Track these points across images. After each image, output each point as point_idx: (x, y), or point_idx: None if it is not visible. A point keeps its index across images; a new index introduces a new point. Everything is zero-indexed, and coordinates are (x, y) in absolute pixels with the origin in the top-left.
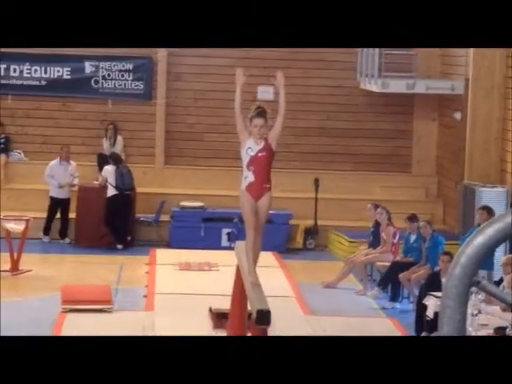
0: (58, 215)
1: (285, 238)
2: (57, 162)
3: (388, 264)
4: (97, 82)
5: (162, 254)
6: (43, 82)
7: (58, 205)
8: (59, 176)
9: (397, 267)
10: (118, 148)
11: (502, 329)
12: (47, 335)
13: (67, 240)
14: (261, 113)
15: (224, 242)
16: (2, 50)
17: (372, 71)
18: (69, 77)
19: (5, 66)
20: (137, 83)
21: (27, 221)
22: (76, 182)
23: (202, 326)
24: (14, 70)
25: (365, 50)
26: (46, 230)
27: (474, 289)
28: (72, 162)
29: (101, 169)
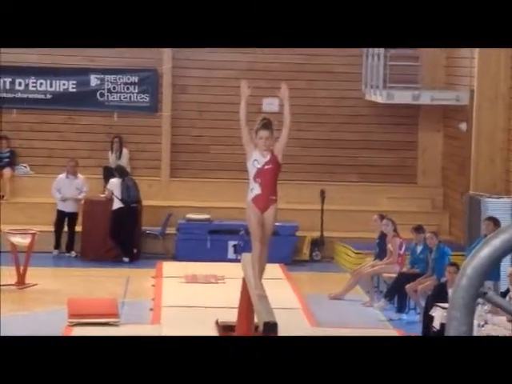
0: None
1: (291, 249)
2: (64, 176)
3: (394, 275)
4: (102, 94)
5: (169, 267)
6: (49, 96)
7: (64, 218)
8: (65, 190)
9: (403, 278)
10: (124, 161)
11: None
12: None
13: (73, 253)
14: (266, 125)
15: (230, 254)
16: (7, 63)
17: (377, 82)
18: (74, 90)
19: (10, 79)
20: (142, 96)
21: (33, 234)
22: (82, 196)
23: None
24: (20, 84)
25: (370, 61)
26: (57, 244)
27: (480, 300)
28: (80, 176)
29: (106, 182)
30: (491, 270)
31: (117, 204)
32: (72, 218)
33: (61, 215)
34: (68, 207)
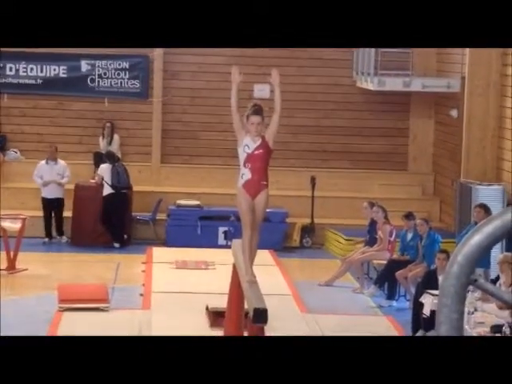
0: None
1: (281, 236)
2: (44, 162)
3: (385, 262)
4: (93, 80)
5: (159, 253)
6: (39, 81)
7: (49, 205)
8: (46, 176)
9: (393, 265)
10: (115, 146)
11: (498, 327)
12: (44, 335)
13: (64, 238)
14: (257, 110)
15: (221, 240)
16: None
17: (368, 69)
18: (65, 75)
19: (1, 64)
20: (133, 82)
21: (24, 219)
22: (64, 180)
23: (198, 325)
24: (10, 69)
25: (361, 48)
26: (47, 232)
27: (470, 287)
28: (60, 161)
29: (97, 167)
30: (482, 257)
31: (107, 190)
32: (58, 203)
33: (45, 202)
34: (51, 193)
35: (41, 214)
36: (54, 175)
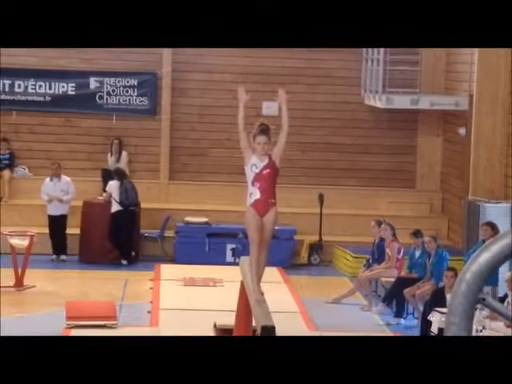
0: None
1: (289, 253)
2: (48, 179)
3: (393, 280)
4: (101, 97)
5: (167, 270)
6: (48, 98)
7: (54, 222)
8: (50, 193)
9: (401, 283)
10: (123, 163)
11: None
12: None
13: (63, 257)
14: (264, 130)
15: (228, 257)
16: (7, 65)
17: (376, 87)
18: (73, 92)
19: (9, 81)
20: (141, 99)
21: (31, 236)
22: (67, 197)
23: None
24: (19, 86)
25: (369, 65)
26: (54, 249)
27: (478, 305)
28: (64, 178)
29: (105, 184)
30: (490, 275)
31: (115, 207)
32: (60, 220)
33: (50, 220)
34: (55, 210)
35: (48, 230)
36: (57, 192)
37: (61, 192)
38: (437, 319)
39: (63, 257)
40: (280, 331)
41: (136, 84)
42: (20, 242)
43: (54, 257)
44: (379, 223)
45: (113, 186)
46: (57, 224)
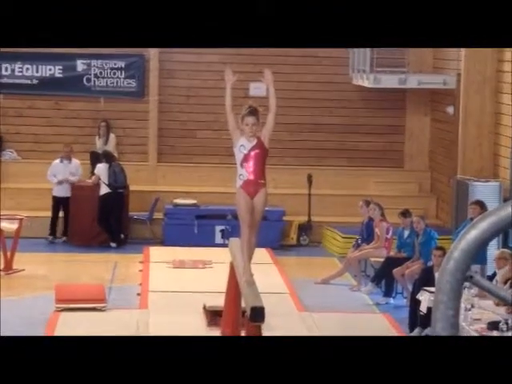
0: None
1: (278, 234)
2: (58, 161)
3: (382, 259)
4: (89, 80)
5: (156, 252)
6: (35, 81)
7: (59, 204)
8: (59, 174)
9: (390, 263)
10: (111, 146)
11: (494, 323)
12: (41, 335)
13: (64, 238)
14: (252, 111)
15: (218, 239)
16: None
17: (364, 66)
18: (61, 75)
19: None
20: (129, 81)
21: (21, 220)
22: (74, 179)
23: (196, 324)
24: (6, 69)
25: None
26: (52, 230)
27: (467, 283)
28: (74, 160)
29: (94, 167)
30: (478, 253)
31: (104, 189)
32: (66, 202)
33: (55, 201)
34: (62, 192)
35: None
36: (67, 174)
37: (70, 174)
38: (425, 298)
39: (64, 238)
40: (269, 312)
41: (123, 66)
42: (9, 226)
43: (51, 238)
44: (367, 203)
45: (101, 168)
46: (60, 205)
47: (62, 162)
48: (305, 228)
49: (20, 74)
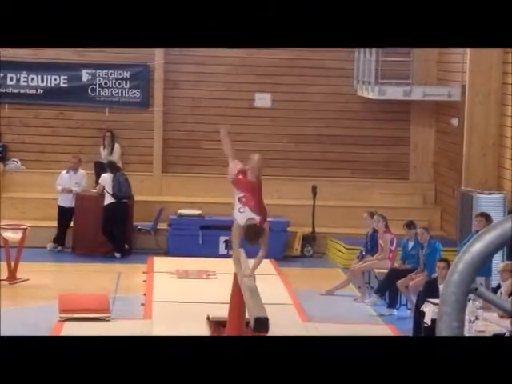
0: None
1: (282, 245)
2: (65, 172)
3: (386, 271)
4: (94, 90)
5: (160, 262)
6: (40, 91)
7: (64, 214)
8: (64, 184)
9: (395, 274)
10: (116, 156)
11: (499, 336)
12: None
13: (59, 248)
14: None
15: (222, 249)
16: None
17: (369, 78)
18: (66, 85)
19: (1, 74)
20: (134, 91)
21: (25, 230)
22: (77, 189)
23: (199, 334)
24: (11, 79)
25: (361, 57)
26: (56, 240)
27: (471, 295)
28: (81, 171)
29: (98, 177)
30: (483, 265)
31: (108, 199)
32: (70, 212)
33: (60, 211)
34: (66, 202)
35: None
36: (72, 184)
37: (75, 185)
38: (430, 310)
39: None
40: (273, 323)
41: (128, 76)
42: (13, 236)
43: (53, 246)
44: (372, 215)
45: (106, 178)
46: (65, 215)
47: (68, 172)
48: (309, 239)
49: (25, 83)
